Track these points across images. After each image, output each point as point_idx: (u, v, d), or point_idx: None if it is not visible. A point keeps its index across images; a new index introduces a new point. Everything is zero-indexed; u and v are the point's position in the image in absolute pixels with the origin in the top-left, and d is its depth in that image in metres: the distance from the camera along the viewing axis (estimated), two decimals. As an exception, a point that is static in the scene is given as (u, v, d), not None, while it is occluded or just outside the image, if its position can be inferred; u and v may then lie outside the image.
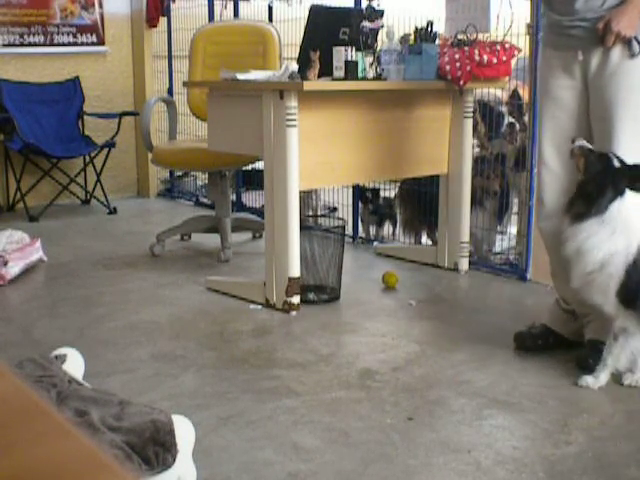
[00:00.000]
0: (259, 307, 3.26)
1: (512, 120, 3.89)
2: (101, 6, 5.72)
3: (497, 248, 4.10)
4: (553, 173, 2.68)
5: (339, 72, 3.20)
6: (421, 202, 4.14)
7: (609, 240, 2.36)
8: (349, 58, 3.18)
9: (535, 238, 3.63)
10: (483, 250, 4.01)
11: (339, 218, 3.65)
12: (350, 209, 4.54)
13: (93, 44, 5.75)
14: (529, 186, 3.62)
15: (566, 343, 2.79)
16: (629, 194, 2.37)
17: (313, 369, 2.59)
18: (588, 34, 2.50)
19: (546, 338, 2.80)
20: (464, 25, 3.55)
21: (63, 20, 5.57)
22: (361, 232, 4.57)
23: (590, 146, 2.45)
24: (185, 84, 3.90)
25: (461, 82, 3.43)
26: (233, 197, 5.21)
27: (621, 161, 2.39)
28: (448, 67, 3.44)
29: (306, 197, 4.70)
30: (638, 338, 2.42)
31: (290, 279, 3.16)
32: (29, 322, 3.08)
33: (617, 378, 2.47)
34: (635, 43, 2.44)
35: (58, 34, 5.57)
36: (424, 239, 4.37)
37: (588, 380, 2.45)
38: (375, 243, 4.45)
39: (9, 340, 2.88)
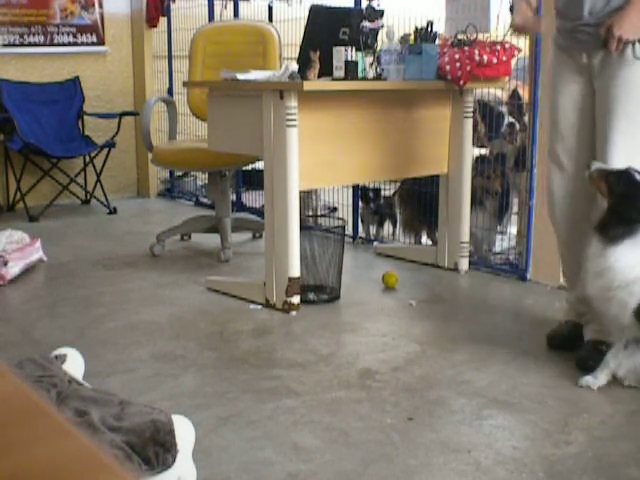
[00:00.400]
0: (259, 307, 3.26)
1: (512, 120, 3.89)
2: (101, 6, 5.72)
3: (497, 248, 4.10)
4: (560, 165, 2.75)
5: (339, 72, 3.20)
6: (421, 202, 4.14)
7: None
8: (349, 58, 3.18)
9: (535, 238, 3.63)
10: (483, 250, 4.01)
11: (339, 218, 3.64)
12: (350, 209, 4.54)
13: (93, 44, 5.75)
14: (529, 186, 3.62)
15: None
16: None
17: (313, 369, 2.59)
18: (591, 37, 2.54)
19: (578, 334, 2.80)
20: (464, 25, 3.55)
21: (63, 20, 5.57)
22: (361, 232, 4.57)
23: (607, 167, 2.46)
24: (185, 84, 3.90)
25: (461, 82, 3.43)
26: (233, 197, 5.21)
27: None
28: (448, 67, 3.44)
29: (306, 197, 4.70)
30: None
31: (290, 279, 3.16)
32: (29, 322, 3.08)
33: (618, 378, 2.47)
34: (638, 46, 2.45)
35: (58, 34, 5.57)
36: (424, 239, 4.37)
37: (588, 380, 2.46)
38: (375, 243, 4.45)
39: (9, 340, 2.88)
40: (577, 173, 2.68)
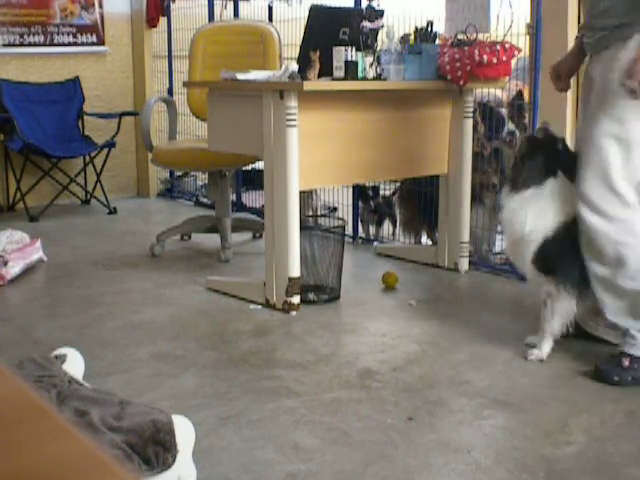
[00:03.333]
0: (259, 307, 3.26)
1: (513, 128, 3.85)
2: (101, 6, 5.72)
3: (497, 248, 4.10)
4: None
5: (339, 72, 3.20)
6: (421, 202, 4.14)
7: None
8: (349, 58, 3.18)
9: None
10: (483, 250, 4.01)
11: (339, 218, 3.64)
12: (350, 209, 4.54)
13: (93, 44, 5.75)
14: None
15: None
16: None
17: (313, 369, 2.59)
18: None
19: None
20: (464, 25, 3.55)
21: (63, 20, 5.57)
22: (361, 232, 4.57)
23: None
24: (185, 84, 3.90)
25: (461, 82, 3.43)
26: (233, 197, 5.21)
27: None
28: (448, 67, 3.44)
29: (306, 197, 4.70)
30: (563, 300, 2.59)
31: (290, 279, 3.16)
32: (29, 322, 3.08)
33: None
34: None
35: (58, 34, 5.57)
36: (424, 239, 4.37)
37: (534, 352, 2.64)
38: (375, 243, 4.45)
39: (9, 340, 2.88)
40: None
